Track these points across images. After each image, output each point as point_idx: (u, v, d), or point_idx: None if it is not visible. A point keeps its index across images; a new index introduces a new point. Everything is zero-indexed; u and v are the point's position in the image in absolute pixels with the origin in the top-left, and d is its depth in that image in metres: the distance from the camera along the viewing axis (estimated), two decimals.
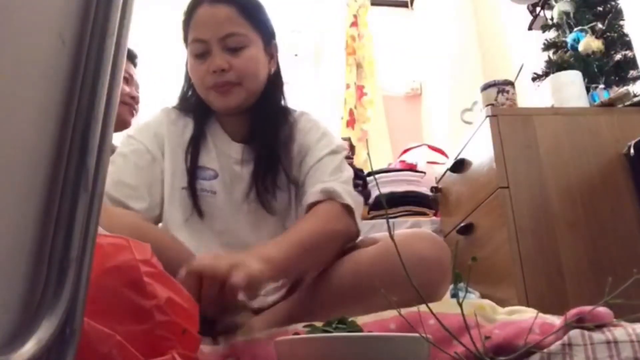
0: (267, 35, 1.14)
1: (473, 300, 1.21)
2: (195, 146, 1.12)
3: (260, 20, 1.13)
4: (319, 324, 0.62)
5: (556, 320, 0.72)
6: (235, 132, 1.16)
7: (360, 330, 0.62)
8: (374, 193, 2.25)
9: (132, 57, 1.75)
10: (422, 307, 0.63)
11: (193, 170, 1.10)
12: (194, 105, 1.17)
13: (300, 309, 0.94)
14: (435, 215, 2.26)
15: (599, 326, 0.69)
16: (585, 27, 2.01)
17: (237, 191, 1.11)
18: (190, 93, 1.20)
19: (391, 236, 0.63)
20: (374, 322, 0.77)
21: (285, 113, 1.18)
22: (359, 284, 0.90)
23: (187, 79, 1.19)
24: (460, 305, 0.58)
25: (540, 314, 0.78)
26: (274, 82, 1.17)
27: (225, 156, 1.13)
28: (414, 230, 1.12)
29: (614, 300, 0.55)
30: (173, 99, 1.56)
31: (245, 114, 1.14)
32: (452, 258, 0.94)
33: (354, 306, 0.85)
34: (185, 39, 1.13)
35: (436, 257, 0.92)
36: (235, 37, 1.07)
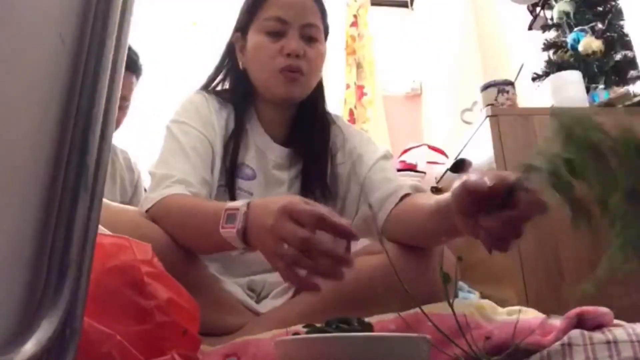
0: (326, 39, 1.14)
1: (473, 300, 1.21)
2: (236, 142, 1.08)
3: (326, 22, 1.14)
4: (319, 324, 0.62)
5: (556, 321, 0.72)
6: (275, 131, 1.13)
7: (372, 330, 0.62)
8: None
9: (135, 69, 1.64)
10: (423, 309, 0.64)
11: (233, 168, 1.06)
12: (231, 95, 1.13)
13: (301, 313, 0.93)
14: None
15: (599, 326, 0.69)
16: (585, 27, 2.01)
17: (273, 195, 1.07)
18: (222, 79, 1.15)
19: (385, 250, 0.63)
20: (374, 323, 0.76)
21: (328, 117, 1.17)
22: (359, 292, 0.89)
23: (225, 64, 1.16)
24: (451, 306, 0.58)
25: (540, 314, 0.78)
26: (320, 85, 1.16)
27: (264, 157, 1.10)
28: None
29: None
30: (172, 98, 1.53)
31: (289, 112, 1.13)
32: (440, 258, 0.94)
33: (354, 313, 0.84)
34: (249, 17, 1.09)
35: (438, 266, 0.91)
36: (314, 28, 1.08)
